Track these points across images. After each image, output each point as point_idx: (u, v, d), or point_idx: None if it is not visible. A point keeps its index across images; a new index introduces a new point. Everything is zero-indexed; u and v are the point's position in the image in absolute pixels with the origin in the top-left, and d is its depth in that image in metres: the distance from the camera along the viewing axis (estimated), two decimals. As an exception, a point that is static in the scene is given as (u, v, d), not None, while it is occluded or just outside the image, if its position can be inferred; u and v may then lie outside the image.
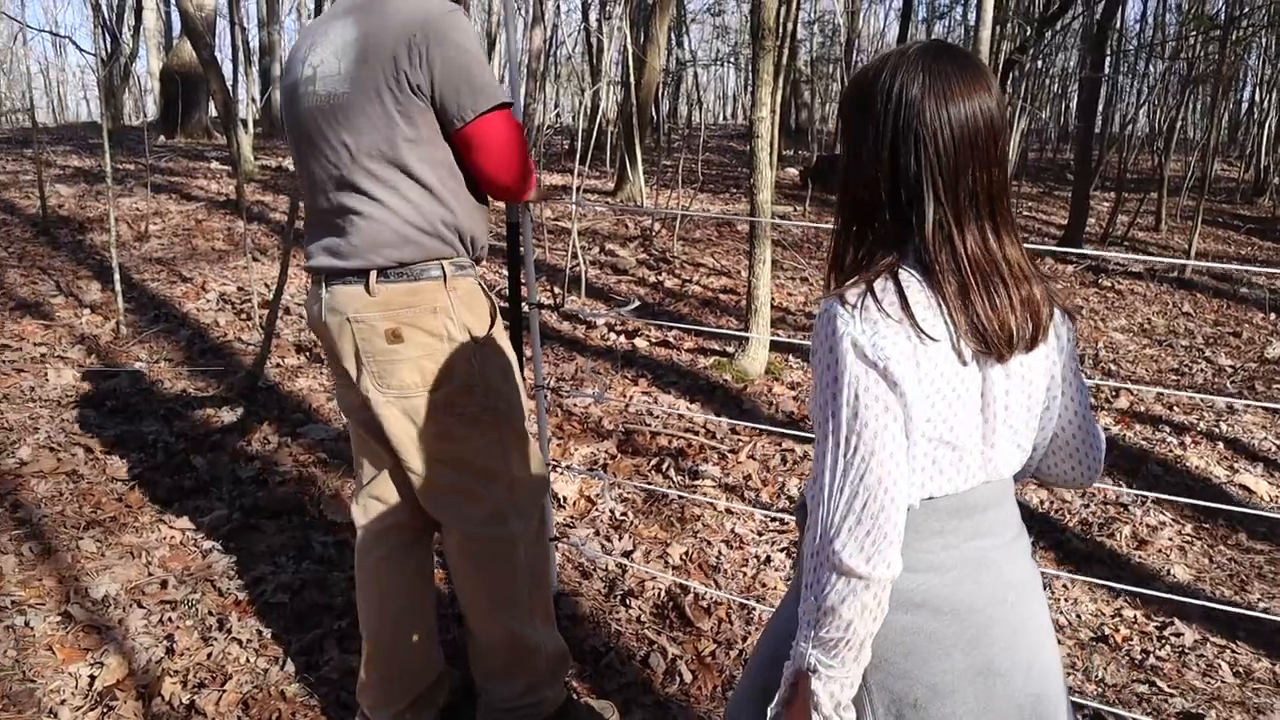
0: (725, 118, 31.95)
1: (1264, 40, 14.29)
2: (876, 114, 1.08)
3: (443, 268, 1.89)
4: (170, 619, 2.61)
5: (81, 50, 8.41)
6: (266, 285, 5.69)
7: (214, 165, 10.35)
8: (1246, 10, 11.51)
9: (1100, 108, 12.83)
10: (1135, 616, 2.96)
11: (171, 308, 5.42)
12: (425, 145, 1.82)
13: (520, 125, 1.94)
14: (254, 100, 14.45)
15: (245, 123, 7.66)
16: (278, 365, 4.57)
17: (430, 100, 1.79)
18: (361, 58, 1.78)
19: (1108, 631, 2.86)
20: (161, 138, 12.88)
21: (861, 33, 19.94)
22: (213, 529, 3.10)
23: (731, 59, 19.55)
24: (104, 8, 17.65)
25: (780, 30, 6.46)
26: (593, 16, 12.19)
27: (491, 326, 2.00)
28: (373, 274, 1.85)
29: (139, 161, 10.04)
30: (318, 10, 16.65)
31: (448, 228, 1.88)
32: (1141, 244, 10.21)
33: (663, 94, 18.25)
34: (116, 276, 4.93)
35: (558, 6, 15.80)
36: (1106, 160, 12.89)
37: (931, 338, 1.05)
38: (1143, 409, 4.82)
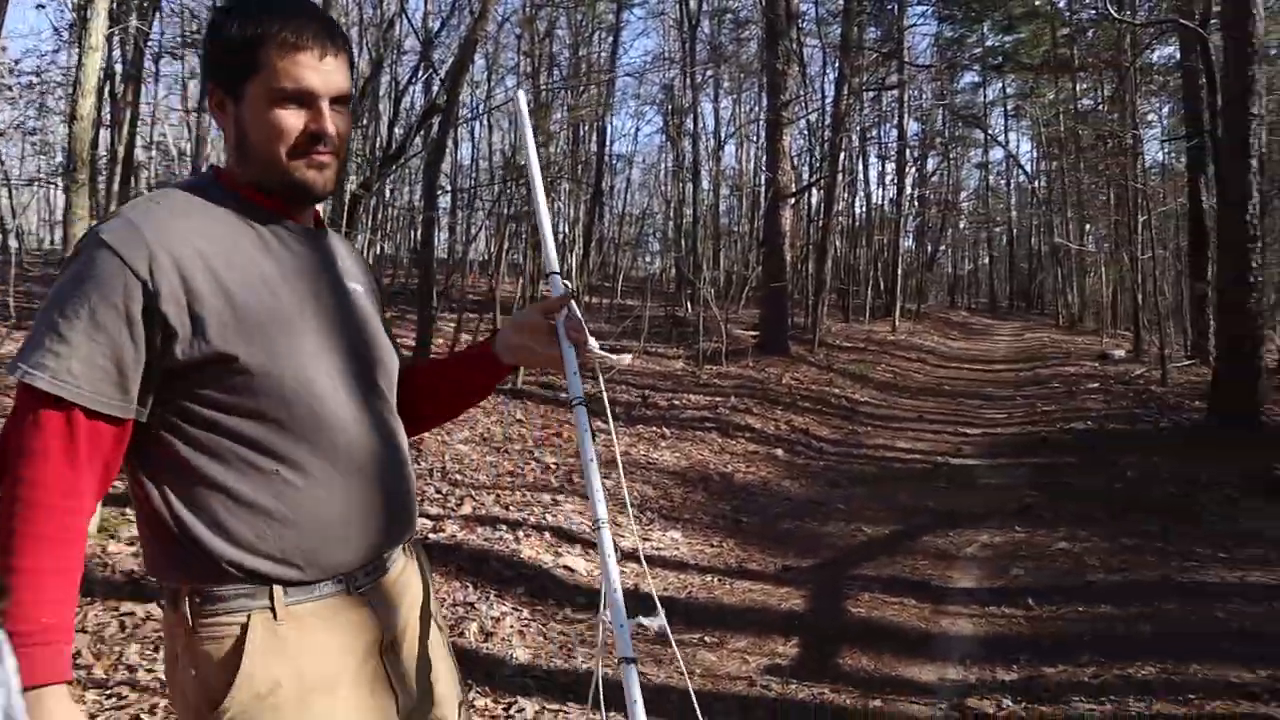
0: (54, 242, 28.50)
1: (564, 186, 17.33)
2: None
3: (182, 601, 1.29)
4: None
5: None
6: None
7: None
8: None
9: (445, 236, 14.21)
10: (487, 704, 3.32)
11: None
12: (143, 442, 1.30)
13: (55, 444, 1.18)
14: None
15: None
16: None
17: None
18: None
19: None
20: None
21: (210, 155, 19.41)
22: None
23: (53, 182, 17.64)
24: None
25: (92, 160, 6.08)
26: None
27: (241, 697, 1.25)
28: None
29: None
30: None
31: (179, 544, 1.28)
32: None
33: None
34: None
35: None
36: (451, 283, 14.29)
37: None
38: (484, 512, 5.43)
